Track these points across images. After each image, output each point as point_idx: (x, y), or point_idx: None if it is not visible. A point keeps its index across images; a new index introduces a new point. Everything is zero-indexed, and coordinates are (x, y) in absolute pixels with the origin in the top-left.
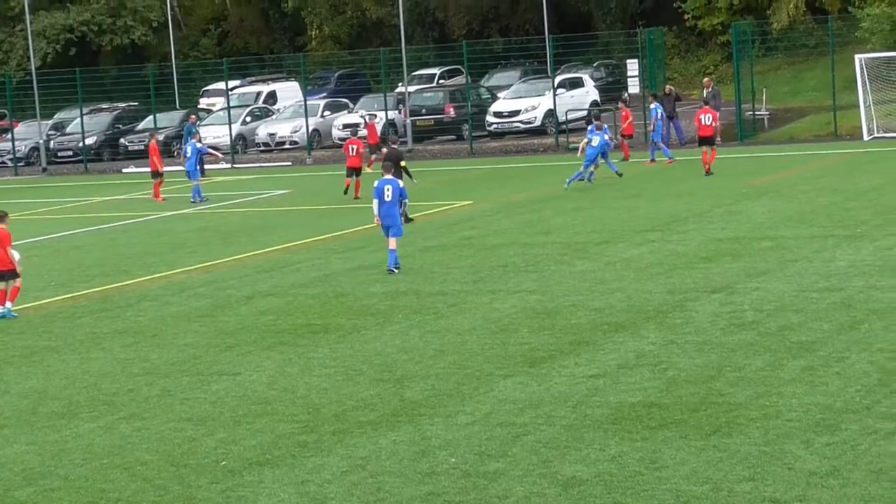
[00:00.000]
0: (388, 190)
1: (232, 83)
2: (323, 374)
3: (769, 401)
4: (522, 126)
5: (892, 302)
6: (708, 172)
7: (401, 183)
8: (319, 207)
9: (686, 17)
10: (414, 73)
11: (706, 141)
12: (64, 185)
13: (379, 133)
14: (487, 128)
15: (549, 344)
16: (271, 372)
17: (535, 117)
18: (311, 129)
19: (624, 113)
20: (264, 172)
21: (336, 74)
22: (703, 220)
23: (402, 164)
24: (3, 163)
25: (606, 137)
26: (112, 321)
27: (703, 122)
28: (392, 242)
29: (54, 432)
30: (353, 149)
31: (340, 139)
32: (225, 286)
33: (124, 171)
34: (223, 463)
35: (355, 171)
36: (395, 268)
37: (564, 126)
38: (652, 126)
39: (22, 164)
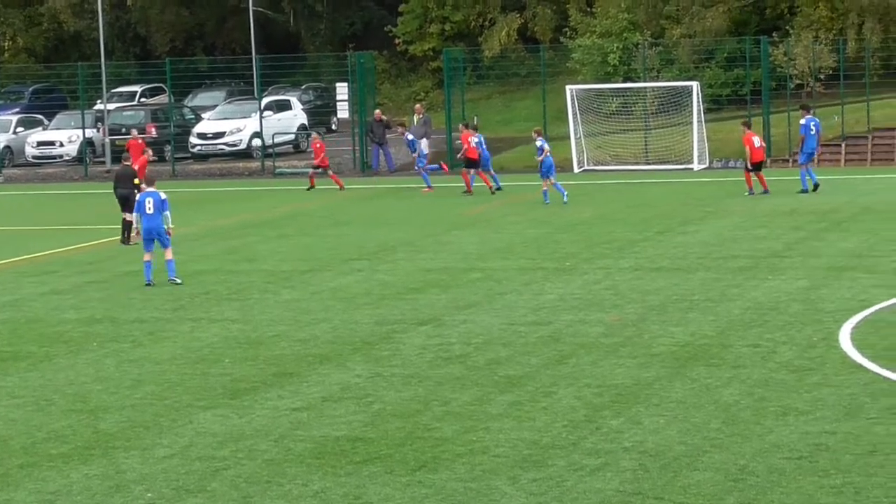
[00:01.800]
0: (149, 202)
1: None
2: (11, 404)
3: (476, 436)
4: (227, 148)
5: (600, 336)
6: None
7: (162, 195)
8: (11, 228)
9: (397, 41)
10: (114, 91)
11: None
12: None
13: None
14: (191, 149)
15: (251, 375)
16: None
17: (241, 139)
18: (2, 145)
19: (318, 145)
20: None
21: (31, 89)
22: (412, 250)
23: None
24: None
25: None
26: None
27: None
28: (167, 252)
29: None
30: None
31: (34, 157)
32: None
33: None
34: None
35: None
36: (177, 277)
37: (271, 150)
38: (415, 153)
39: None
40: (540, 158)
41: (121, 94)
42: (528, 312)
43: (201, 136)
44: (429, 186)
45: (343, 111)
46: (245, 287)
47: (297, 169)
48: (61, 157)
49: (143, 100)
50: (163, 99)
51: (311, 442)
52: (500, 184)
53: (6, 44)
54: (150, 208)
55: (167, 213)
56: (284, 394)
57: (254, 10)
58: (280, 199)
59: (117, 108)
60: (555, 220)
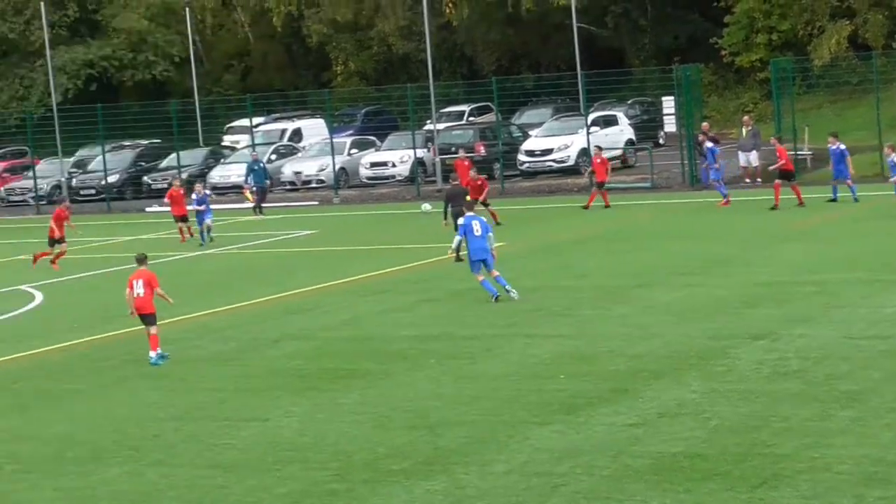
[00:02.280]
0: (475, 225)
1: (256, 120)
2: (353, 421)
3: (817, 452)
4: (555, 165)
5: None
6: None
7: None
8: (347, 248)
9: (723, 53)
10: (442, 111)
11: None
12: (86, 224)
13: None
14: (519, 167)
15: (587, 391)
16: (300, 418)
17: (569, 156)
18: (337, 167)
19: (598, 160)
20: (290, 212)
21: (363, 111)
22: (742, 263)
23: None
24: (25, 201)
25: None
26: (137, 364)
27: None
28: (494, 272)
29: (81, 478)
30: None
31: (367, 178)
32: (251, 329)
33: (147, 210)
34: None
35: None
36: (510, 289)
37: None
38: (716, 164)
39: (44, 202)
40: (893, 179)
41: (449, 114)
42: (868, 326)
43: (529, 153)
44: (725, 199)
45: (670, 125)
46: (577, 303)
47: (625, 184)
48: (393, 177)
49: (470, 119)
50: (490, 117)
51: (648, 458)
52: (838, 195)
53: (338, 68)
54: (477, 230)
55: (490, 234)
56: (620, 409)
57: (578, 27)
58: (608, 215)
59: (446, 128)
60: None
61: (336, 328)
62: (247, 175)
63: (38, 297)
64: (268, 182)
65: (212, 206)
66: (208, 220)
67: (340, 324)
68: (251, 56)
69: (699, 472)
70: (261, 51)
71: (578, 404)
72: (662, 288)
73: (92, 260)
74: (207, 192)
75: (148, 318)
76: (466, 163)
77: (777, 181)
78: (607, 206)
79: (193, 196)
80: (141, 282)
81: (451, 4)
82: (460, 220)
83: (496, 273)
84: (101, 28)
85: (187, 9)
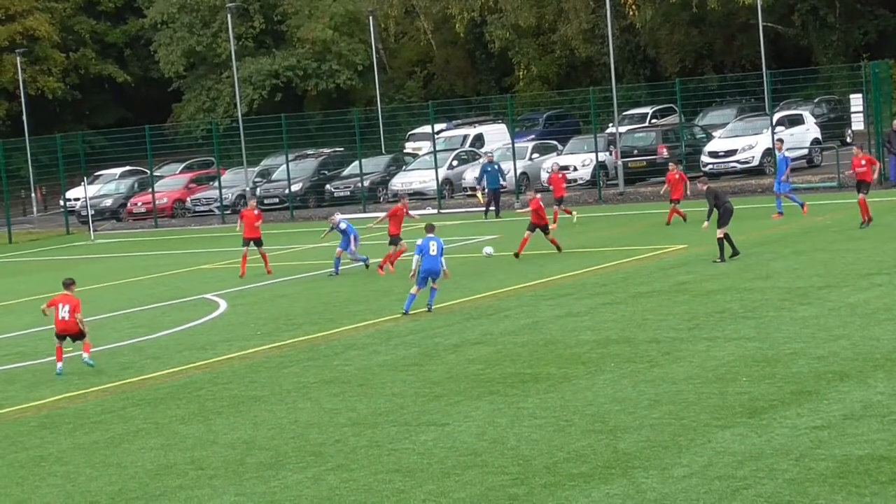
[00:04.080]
0: (432, 246)
1: (438, 126)
2: (533, 425)
3: None
4: (739, 166)
5: None
6: None
7: (441, 241)
8: (527, 252)
9: None
10: (625, 113)
11: None
12: (270, 233)
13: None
14: (703, 168)
15: (769, 393)
16: (480, 422)
17: (753, 157)
18: (518, 172)
19: (676, 176)
20: (471, 217)
21: (544, 115)
22: None
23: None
24: (211, 210)
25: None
26: (318, 370)
27: None
28: (435, 284)
29: (262, 483)
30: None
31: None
32: (432, 334)
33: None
34: None
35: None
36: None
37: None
38: (785, 176)
39: (229, 211)
40: None
41: (632, 117)
42: None
43: (713, 154)
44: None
45: (858, 123)
46: (760, 304)
47: (811, 184)
48: (575, 181)
49: (653, 121)
50: (673, 119)
51: (832, 461)
52: None
53: (521, 73)
54: (433, 251)
55: (442, 258)
56: (803, 412)
57: (763, 26)
58: (792, 216)
59: (628, 131)
60: None
61: (516, 332)
62: (480, 177)
63: (223, 305)
64: (504, 184)
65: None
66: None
67: (521, 328)
68: (433, 63)
69: (885, 475)
70: (443, 57)
71: (760, 407)
72: (849, 289)
73: (276, 268)
74: (345, 217)
75: (76, 336)
76: (560, 175)
77: None
78: (668, 224)
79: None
80: (67, 307)
81: (634, 6)
82: (418, 241)
83: (436, 285)
84: (286, 39)
85: (371, 17)
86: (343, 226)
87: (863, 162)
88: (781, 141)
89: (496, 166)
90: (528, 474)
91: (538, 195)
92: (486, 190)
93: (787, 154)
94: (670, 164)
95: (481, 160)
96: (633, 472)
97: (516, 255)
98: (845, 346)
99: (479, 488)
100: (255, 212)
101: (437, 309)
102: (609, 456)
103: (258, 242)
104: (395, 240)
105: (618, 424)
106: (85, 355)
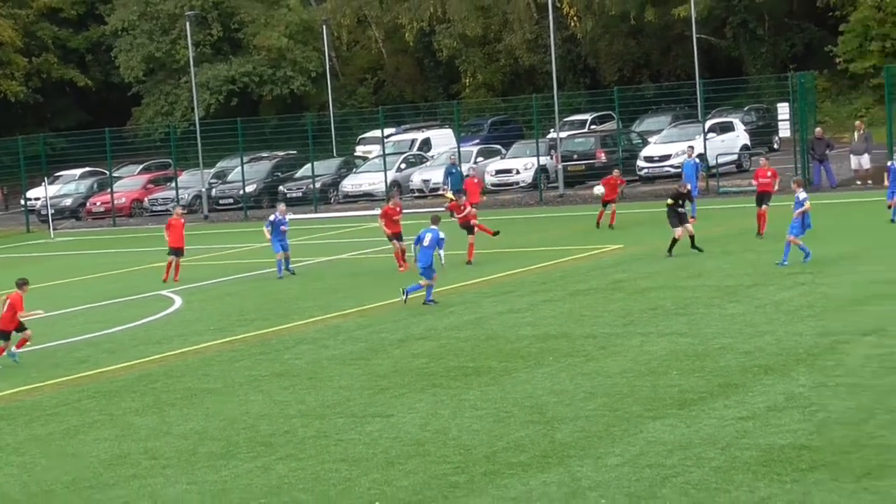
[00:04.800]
0: (427, 237)
1: (387, 131)
2: (474, 416)
3: None
4: (673, 170)
5: None
6: None
7: (441, 234)
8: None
9: (838, 60)
10: (565, 119)
11: None
12: (225, 232)
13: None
14: (638, 172)
15: (698, 386)
16: (423, 414)
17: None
18: (464, 174)
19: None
20: (419, 218)
21: (489, 121)
22: (854, 262)
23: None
24: (167, 210)
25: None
26: (269, 364)
27: None
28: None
29: (214, 472)
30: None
31: (493, 185)
32: (379, 329)
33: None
34: (376, 503)
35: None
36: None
37: (715, 170)
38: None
39: (185, 211)
40: None
41: (572, 123)
42: None
43: (648, 159)
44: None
45: (785, 130)
46: (691, 302)
47: (740, 188)
48: (517, 183)
49: (592, 127)
50: (611, 125)
51: (756, 450)
52: None
53: (467, 80)
54: (427, 241)
55: (441, 251)
56: (730, 403)
57: (697, 38)
58: (725, 217)
59: (569, 136)
60: None
61: (460, 328)
62: (445, 178)
63: (178, 301)
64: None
65: (344, 213)
66: (287, 251)
67: (464, 323)
68: (384, 70)
69: (806, 463)
70: (393, 65)
71: (690, 399)
72: (774, 287)
73: (229, 265)
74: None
75: (7, 333)
76: (476, 181)
77: None
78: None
79: (277, 216)
80: (8, 303)
81: (576, 18)
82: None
83: (423, 283)
84: (243, 46)
85: (324, 26)
86: (285, 228)
87: (768, 174)
88: (692, 148)
89: (458, 168)
90: (469, 463)
91: (464, 198)
92: (452, 191)
93: (697, 160)
94: (615, 170)
95: (445, 163)
96: (569, 461)
97: (468, 263)
98: (770, 342)
99: (422, 476)
100: (182, 220)
101: (384, 305)
102: (546, 446)
103: (180, 252)
104: (393, 237)
105: (555, 416)
106: (15, 349)
